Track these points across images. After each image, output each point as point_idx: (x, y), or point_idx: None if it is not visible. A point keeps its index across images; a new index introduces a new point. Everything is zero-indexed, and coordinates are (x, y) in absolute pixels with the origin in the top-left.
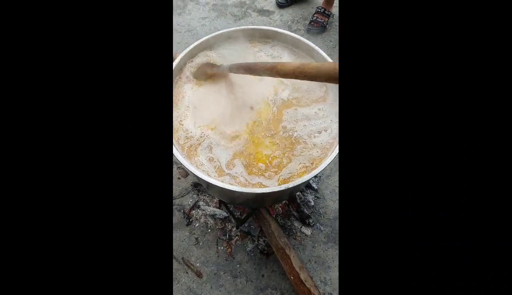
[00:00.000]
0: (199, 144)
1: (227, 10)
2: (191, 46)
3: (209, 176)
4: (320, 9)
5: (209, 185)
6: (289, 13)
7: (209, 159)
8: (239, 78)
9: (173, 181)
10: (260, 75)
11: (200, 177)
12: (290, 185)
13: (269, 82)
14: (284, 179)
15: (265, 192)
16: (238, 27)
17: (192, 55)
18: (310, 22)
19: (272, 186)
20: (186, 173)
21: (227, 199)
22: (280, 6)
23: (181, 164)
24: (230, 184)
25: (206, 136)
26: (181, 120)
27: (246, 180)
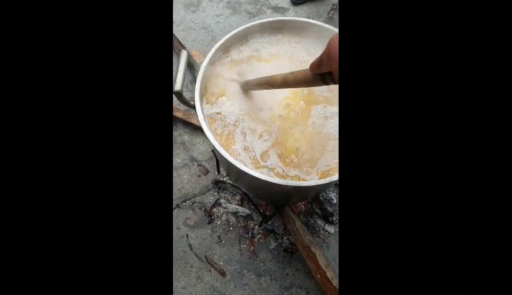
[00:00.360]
0: (235, 130)
1: (242, 8)
2: (224, 39)
3: (246, 166)
4: (336, 6)
5: (242, 176)
6: (303, 10)
7: (245, 147)
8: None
9: (193, 178)
10: (263, 89)
11: (242, 169)
12: (334, 178)
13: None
14: (323, 172)
15: (309, 185)
16: (275, 18)
17: (225, 49)
18: (325, 20)
19: (314, 179)
20: (206, 170)
21: (255, 192)
22: (295, 3)
23: (222, 156)
24: (270, 176)
25: (241, 120)
26: (220, 111)
27: (284, 171)
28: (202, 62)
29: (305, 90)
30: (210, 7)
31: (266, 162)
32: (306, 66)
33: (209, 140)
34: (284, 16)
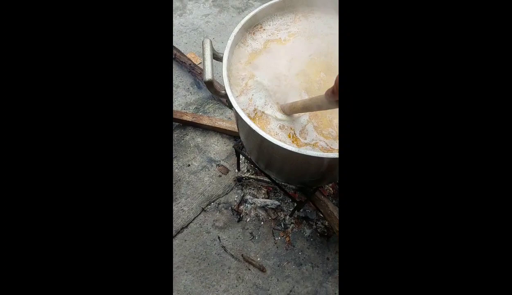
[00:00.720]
0: (264, 112)
1: (229, 4)
2: (239, 26)
3: (287, 145)
4: None
5: (276, 158)
6: None
7: (280, 126)
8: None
9: (215, 179)
10: (292, 113)
11: (291, 150)
12: None
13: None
14: None
15: None
16: None
17: (244, 30)
18: None
19: None
20: (226, 169)
21: (287, 176)
22: None
23: (263, 138)
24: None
25: (271, 102)
26: (251, 98)
27: (327, 145)
28: (223, 54)
29: (322, 57)
30: (197, 8)
31: (306, 139)
32: (329, 38)
33: (237, 133)
34: None
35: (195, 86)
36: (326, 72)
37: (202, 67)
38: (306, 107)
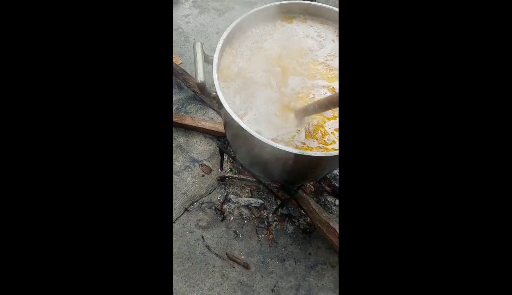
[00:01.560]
0: (246, 113)
1: (209, 5)
2: (224, 35)
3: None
4: None
5: (261, 156)
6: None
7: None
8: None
9: (197, 179)
10: (306, 115)
11: (279, 148)
12: None
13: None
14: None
15: None
16: (274, 3)
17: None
18: None
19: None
20: (209, 169)
21: (270, 174)
22: None
23: (253, 137)
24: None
25: (251, 106)
26: (240, 98)
27: (304, 143)
28: (212, 57)
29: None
30: (176, 8)
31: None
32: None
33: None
34: None
35: (176, 86)
36: (283, 71)
37: (182, 68)
38: (320, 105)
